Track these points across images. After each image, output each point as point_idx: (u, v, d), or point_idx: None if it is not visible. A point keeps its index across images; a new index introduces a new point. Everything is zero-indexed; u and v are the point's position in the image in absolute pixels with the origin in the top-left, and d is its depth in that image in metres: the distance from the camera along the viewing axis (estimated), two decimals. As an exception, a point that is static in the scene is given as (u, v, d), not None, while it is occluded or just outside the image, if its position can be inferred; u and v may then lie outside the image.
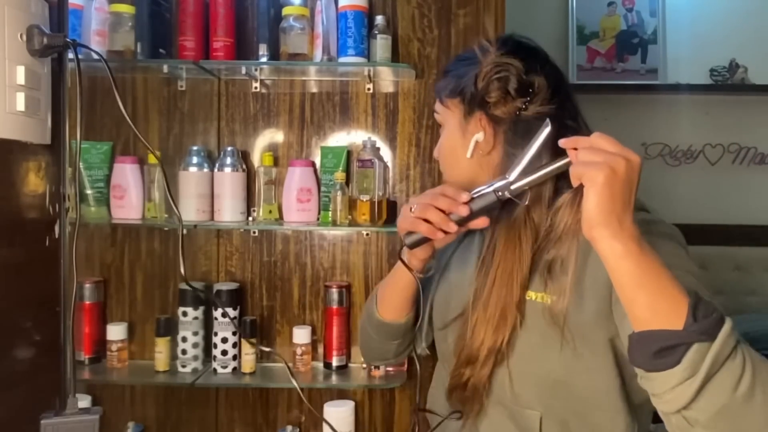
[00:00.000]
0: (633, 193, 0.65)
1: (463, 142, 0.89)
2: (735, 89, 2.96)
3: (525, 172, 0.79)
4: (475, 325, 0.85)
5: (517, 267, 0.83)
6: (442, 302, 0.98)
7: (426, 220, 0.83)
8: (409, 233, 0.86)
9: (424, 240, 0.86)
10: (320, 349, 1.74)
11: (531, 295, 0.84)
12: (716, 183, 3.02)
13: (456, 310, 0.92)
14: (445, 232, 0.83)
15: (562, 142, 0.72)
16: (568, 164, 0.74)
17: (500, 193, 0.81)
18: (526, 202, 0.82)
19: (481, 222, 0.83)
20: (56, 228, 0.83)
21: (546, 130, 0.77)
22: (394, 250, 1.73)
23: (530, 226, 0.84)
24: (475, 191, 0.83)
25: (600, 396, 0.82)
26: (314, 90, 1.76)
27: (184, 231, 1.76)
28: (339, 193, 1.62)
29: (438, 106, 0.94)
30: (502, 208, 0.85)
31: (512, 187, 0.80)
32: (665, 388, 0.59)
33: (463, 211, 0.81)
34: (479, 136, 0.87)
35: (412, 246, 0.87)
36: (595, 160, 0.65)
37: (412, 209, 0.85)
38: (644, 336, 0.61)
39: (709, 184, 3.02)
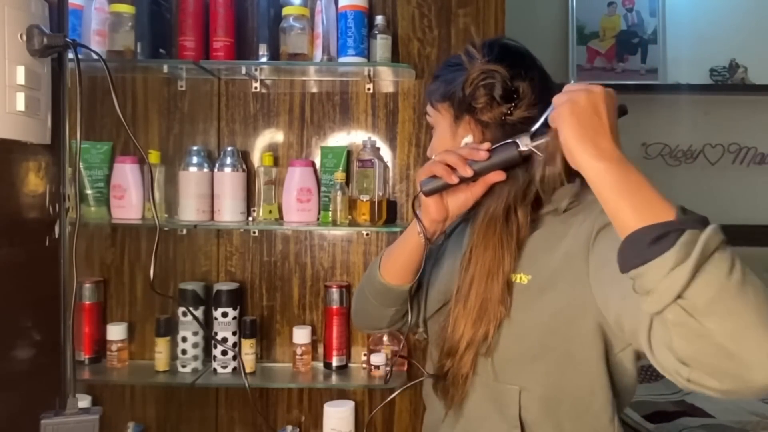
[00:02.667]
0: (604, 119, 0.69)
1: (454, 144, 0.92)
2: (735, 89, 2.96)
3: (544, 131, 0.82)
4: (456, 318, 0.89)
5: (496, 264, 0.86)
6: (433, 291, 1.01)
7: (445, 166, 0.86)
8: (427, 181, 0.87)
9: (441, 188, 0.87)
10: (320, 349, 1.74)
11: (513, 277, 0.87)
12: (716, 183, 3.01)
13: (441, 300, 0.96)
14: (461, 181, 0.85)
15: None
16: None
17: (520, 145, 0.82)
18: (545, 156, 0.83)
19: (498, 175, 0.85)
20: (56, 228, 0.83)
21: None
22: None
23: (514, 222, 0.87)
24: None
25: (582, 369, 0.84)
26: (314, 90, 1.76)
27: (183, 231, 1.76)
28: (339, 193, 1.62)
29: (429, 109, 0.97)
30: (483, 200, 0.88)
31: (533, 141, 0.82)
32: (660, 275, 0.58)
33: (482, 156, 0.84)
34: (468, 139, 0.91)
35: (429, 192, 0.87)
36: (561, 100, 0.71)
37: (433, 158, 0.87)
38: (638, 232, 0.62)
39: (709, 184, 3.01)
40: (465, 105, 0.89)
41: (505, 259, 0.86)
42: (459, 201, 0.89)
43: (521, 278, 0.86)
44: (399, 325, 1.07)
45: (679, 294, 0.57)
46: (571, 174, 0.86)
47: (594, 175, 0.67)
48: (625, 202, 0.64)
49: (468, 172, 0.84)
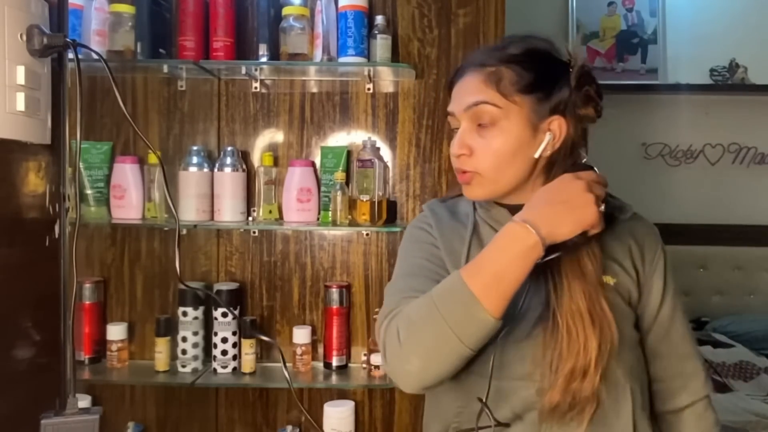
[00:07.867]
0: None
1: (531, 140, 0.87)
2: (735, 89, 2.96)
3: None
4: (576, 334, 0.81)
5: (590, 269, 0.85)
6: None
7: None
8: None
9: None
10: (320, 349, 1.74)
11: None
12: (716, 183, 3.01)
13: (533, 318, 0.86)
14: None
15: None
16: None
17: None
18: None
19: None
20: (56, 228, 0.83)
21: None
22: (394, 249, 1.73)
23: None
24: None
25: (641, 356, 0.94)
26: (314, 90, 1.76)
27: (183, 231, 1.76)
28: (339, 193, 1.62)
29: (497, 98, 0.86)
30: None
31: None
32: None
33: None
34: (551, 135, 0.87)
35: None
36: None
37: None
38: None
39: (709, 184, 3.01)
40: (564, 102, 0.87)
41: (596, 263, 0.85)
42: None
43: (608, 280, 0.89)
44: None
45: None
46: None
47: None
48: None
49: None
